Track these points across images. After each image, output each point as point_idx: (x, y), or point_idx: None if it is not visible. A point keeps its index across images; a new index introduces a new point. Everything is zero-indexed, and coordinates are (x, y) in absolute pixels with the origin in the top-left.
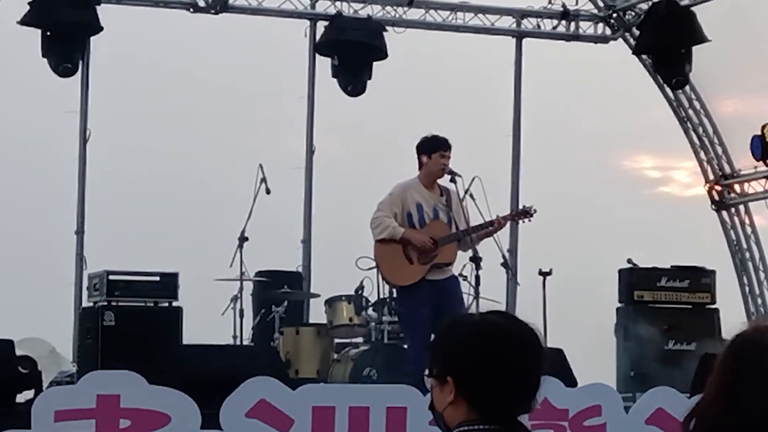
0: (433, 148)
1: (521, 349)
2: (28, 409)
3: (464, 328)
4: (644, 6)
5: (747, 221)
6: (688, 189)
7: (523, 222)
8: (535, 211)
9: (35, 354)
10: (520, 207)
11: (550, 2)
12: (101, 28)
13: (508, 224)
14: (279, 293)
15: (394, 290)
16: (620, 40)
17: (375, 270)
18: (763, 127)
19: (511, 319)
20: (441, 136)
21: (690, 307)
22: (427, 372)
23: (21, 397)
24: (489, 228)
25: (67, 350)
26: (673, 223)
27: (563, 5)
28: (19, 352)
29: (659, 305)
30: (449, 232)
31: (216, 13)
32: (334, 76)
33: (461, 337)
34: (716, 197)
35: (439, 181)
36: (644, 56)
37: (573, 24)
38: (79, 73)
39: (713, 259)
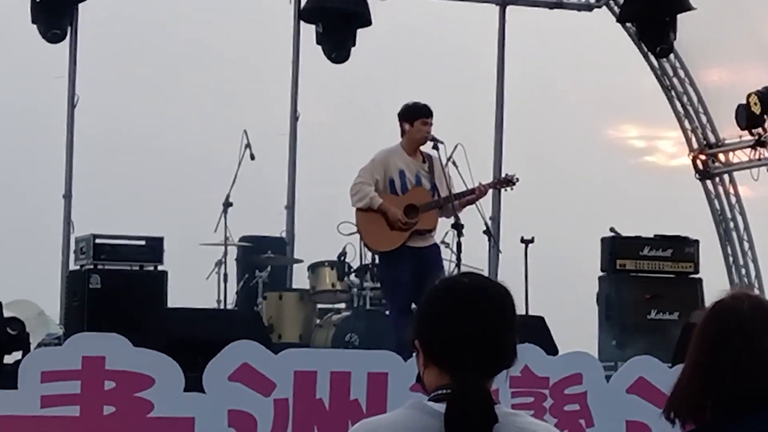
0: (415, 115)
1: (478, 305)
2: (15, 369)
3: (428, 291)
4: None
5: (731, 191)
6: (674, 159)
7: (506, 190)
8: (517, 179)
9: (24, 316)
10: (503, 175)
11: None
12: None
13: (490, 192)
14: (262, 258)
15: (377, 257)
16: (604, 7)
17: (357, 236)
18: (748, 96)
19: (477, 278)
20: (422, 103)
21: (673, 276)
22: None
23: (9, 359)
24: (471, 195)
25: (55, 313)
26: (657, 193)
27: None
28: (7, 313)
29: (642, 274)
30: (431, 199)
31: None
32: (318, 43)
33: (424, 300)
34: (700, 166)
35: (421, 147)
36: (629, 24)
37: None
38: (67, 39)
39: (697, 228)
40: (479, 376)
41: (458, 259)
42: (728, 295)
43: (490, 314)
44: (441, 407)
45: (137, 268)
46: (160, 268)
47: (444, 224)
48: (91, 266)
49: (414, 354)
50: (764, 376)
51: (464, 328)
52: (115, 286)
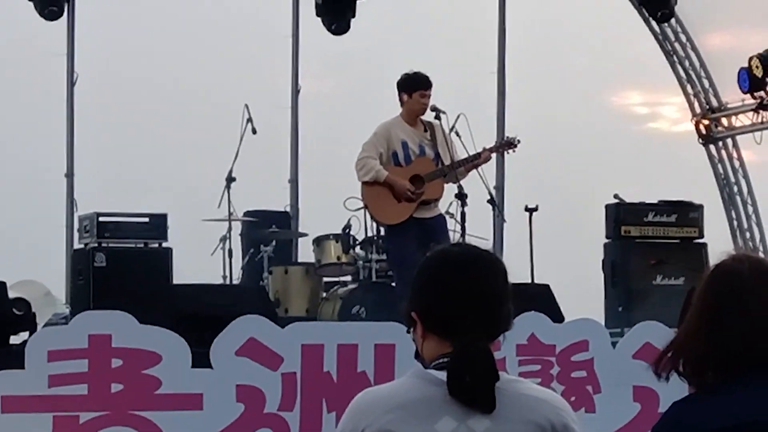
0: (414, 86)
1: (472, 270)
2: (21, 350)
3: (421, 263)
4: None
5: (735, 155)
6: (677, 124)
7: (508, 153)
8: (519, 141)
9: (30, 296)
10: (504, 138)
11: None
12: None
13: (494, 160)
14: (267, 233)
15: (382, 228)
16: None
17: (357, 210)
18: (750, 60)
19: (467, 247)
20: (421, 74)
21: (678, 241)
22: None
23: (16, 339)
24: (475, 161)
25: (61, 292)
26: (661, 159)
27: None
28: (12, 294)
29: (647, 240)
30: (435, 168)
31: None
32: (317, 15)
33: (418, 271)
34: (703, 131)
35: (422, 116)
36: None
37: None
38: (65, 16)
39: (701, 193)
40: (479, 337)
41: (463, 228)
42: (729, 257)
43: (484, 278)
44: (442, 374)
45: (142, 245)
46: (164, 244)
47: (448, 194)
48: (96, 245)
49: (411, 329)
50: (764, 339)
51: (461, 293)
52: (119, 263)
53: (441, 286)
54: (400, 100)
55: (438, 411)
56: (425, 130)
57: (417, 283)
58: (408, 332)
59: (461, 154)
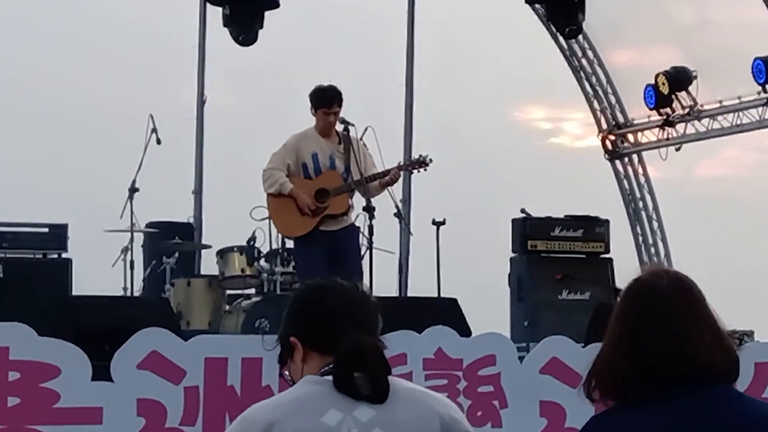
0: (318, 104)
1: (343, 290)
2: None
3: (291, 297)
4: None
5: (640, 171)
6: (579, 140)
7: (419, 171)
8: (431, 160)
9: None
10: (416, 156)
11: None
12: None
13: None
14: (170, 244)
15: (287, 241)
16: None
17: (267, 221)
18: (657, 76)
19: (329, 279)
20: (328, 90)
21: (584, 256)
22: (280, 362)
23: None
24: (385, 178)
25: None
26: (566, 174)
27: None
28: None
29: (553, 255)
30: (342, 182)
31: None
32: (225, 26)
33: (291, 304)
34: (609, 147)
35: (337, 128)
36: (537, 5)
37: None
38: None
39: (606, 208)
40: (363, 337)
41: (370, 242)
42: (647, 272)
43: (354, 295)
44: (328, 377)
45: (41, 256)
46: (64, 255)
47: (356, 207)
48: None
49: (285, 361)
50: (685, 352)
51: (337, 306)
52: (17, 274)
53: (318, 306)
54: (311, 113)
55: (324, 405)
56: (339, 143)
57: (293, 310)
58: (281, 375)
59: (379, 169)
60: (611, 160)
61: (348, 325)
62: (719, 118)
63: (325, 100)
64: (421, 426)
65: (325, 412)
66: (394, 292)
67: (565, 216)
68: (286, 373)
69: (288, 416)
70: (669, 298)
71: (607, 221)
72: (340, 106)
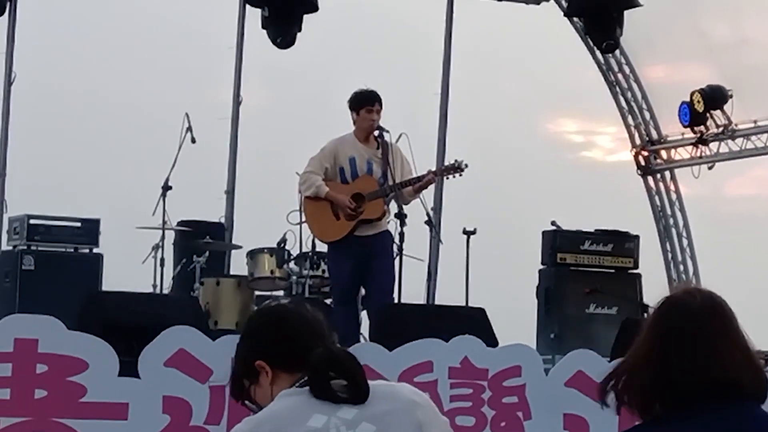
0: (360, 103)
1: (301, 312)
2: None
3: (252, 320)
4: None
5: (672, 188)
6: (611, 154)
7: (454, 177)
8: (466, 165)
9: None
10: (451, 161)
11: None
12: None
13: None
14: (201, 243)
15: (317, 244)
16: (552, 1)
17: (299, 224)
18: (692, 94)
19: (287, 301)
20: (368, 90)
21: (612, 271)
22: (236, 393)
23: None
24: (420, 182)
25: None
26: (597, 188)
27: None
28: None
29: (582, 268)
30: (378, 187)
31: None
32: (263, 28)
33: (254, 328)
34: (642, 162)
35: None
36: (575, 19)
37: None
38: (6, 15)
39: (637, 224)
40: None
41: (400, 249)
42: (680, 290)
43: (308, 314)
44: (304, 388)
45: (72, 250)
46: (95, 250)
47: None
48: (25, 247)
49: (245, 391)
50: (715, 371)
51: (299, 325)
52: (48, 267)
53: (282, 326)
54: (352, 118)
55: (306, 412)
56: (378, 148)
57: (254, 336)
58: (243, 403)
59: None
60: (643, 175)
61: (313, 339)
62: (753, 138)
63: (367, 99)
64: (402, 413)
65: (309, 417)
66: (422, 300)
67: (595, 230)
68: (248, 402)
69: (275, 428)
70: (701, 316)
71: (637, 237)
72: (381, 106)
